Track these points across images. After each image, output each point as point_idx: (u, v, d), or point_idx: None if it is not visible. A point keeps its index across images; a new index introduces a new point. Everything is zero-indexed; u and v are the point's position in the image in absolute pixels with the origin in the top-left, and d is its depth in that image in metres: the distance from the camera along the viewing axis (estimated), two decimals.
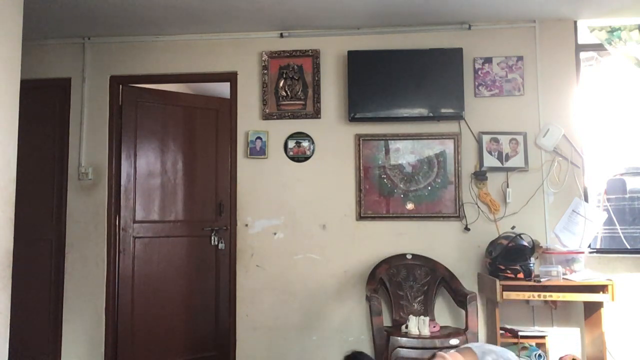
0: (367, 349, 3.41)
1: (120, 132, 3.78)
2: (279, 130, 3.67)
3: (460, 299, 3.21)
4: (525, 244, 3.17)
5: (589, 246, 3.42)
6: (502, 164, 3.52)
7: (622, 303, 3.22)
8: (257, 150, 3.67)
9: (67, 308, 3.67)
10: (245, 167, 3.68)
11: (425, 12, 3.45)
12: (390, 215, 3.58)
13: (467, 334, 3.02)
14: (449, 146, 3.58)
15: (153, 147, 3.87)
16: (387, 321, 3.39)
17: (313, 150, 3.65)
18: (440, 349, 2.96)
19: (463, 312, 3.18)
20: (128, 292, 3.72)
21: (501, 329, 3.24)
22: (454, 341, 2.97)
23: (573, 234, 3.38)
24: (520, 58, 3.58)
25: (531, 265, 3.13)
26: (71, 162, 3.74)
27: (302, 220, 3.63)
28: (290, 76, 3.69)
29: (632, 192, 3.90)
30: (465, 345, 1.77)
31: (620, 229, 3.63)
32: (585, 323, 3.33)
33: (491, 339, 3.25)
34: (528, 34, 3.61)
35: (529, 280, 3.08)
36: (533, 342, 3.23)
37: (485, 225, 3.50)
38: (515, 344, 3.19)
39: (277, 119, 3.68)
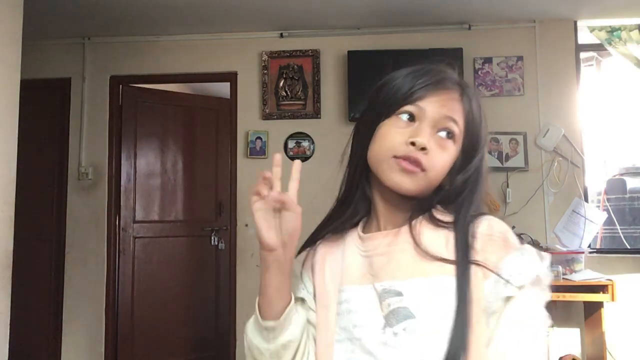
0: None
1: (120, 132, 3.78)
2: (279, 130, 3.67)
3: None
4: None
5: (589, 246, 3.41)
6: (502, 164, 3.52)
7: (622, 303, 3.21)
8: (257, 150, 3.67)
9: (67, 308, 3.66)
10: (245, 167, 3.68)
11: (425, 12, 3.44)
12: None
13: None
14: None
15: (153, 147, 3.87)
16: None
17: (313, 150, 3.65)
18: None
19: None
20: (128, 292, 3.72)
21: None
22: None
23: (573, 234, 3.38)
24: (520, 58, 3.58)
25: None
26: (71, 162, 3.74)
27: (302, 220, 3.61)
28: (290, 76, 3.69)
29: (632, 192, 3.89)
30: None
31: (620, 229, 3.63)
32: (585, 323, 3.33)
33: None
34: (528, 34, 3.60)
35: None
36: None
37: None
38: None
39: (277, 119, 3.67)
